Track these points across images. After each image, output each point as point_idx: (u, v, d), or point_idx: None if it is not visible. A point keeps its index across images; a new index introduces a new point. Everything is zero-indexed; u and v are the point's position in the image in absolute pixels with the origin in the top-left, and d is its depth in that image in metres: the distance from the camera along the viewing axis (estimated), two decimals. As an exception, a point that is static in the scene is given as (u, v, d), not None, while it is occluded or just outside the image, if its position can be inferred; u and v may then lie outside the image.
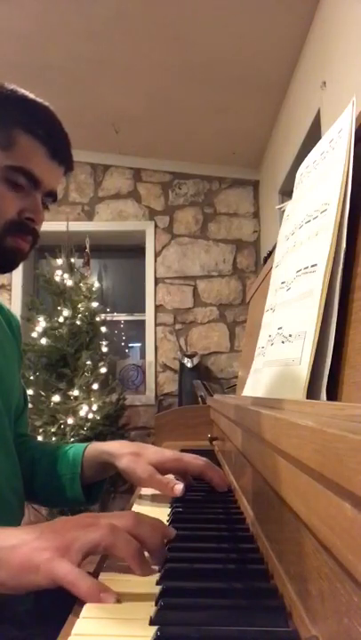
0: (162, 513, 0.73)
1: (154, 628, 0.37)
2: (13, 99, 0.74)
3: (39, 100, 0.76)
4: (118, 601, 0.44)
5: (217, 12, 2.61)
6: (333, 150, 0.61)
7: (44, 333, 3.37)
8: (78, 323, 3.44)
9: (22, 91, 0.76)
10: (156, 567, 0.51)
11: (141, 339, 4.31)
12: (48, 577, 0.46)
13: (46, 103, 0.77)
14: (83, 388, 3.28)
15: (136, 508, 0.76)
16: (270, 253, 1.16)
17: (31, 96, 0.76)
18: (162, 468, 0.75)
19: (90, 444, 0.84)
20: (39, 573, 0.46)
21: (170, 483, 0.73)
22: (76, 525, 0.50)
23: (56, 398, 3.20)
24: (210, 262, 4.24)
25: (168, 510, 0.74)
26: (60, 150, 0.76)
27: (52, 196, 0.78)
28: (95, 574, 0.51)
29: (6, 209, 0.72)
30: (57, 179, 0.78)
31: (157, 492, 0.77)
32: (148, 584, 0.48)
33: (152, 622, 0.40)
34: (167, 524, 0.66)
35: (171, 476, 0.78)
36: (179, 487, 0.72)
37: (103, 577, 0.51)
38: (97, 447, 0.83)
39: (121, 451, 0.77)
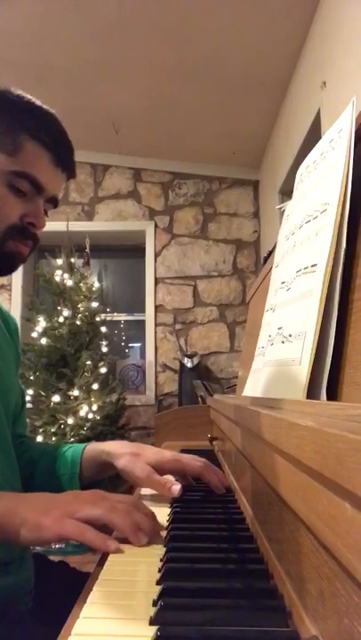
0: (162, 513, 0.73)
1: (154, 628, 0.38)
2: (20, 104, 0.75)
3: (45, 106, 0.77)
4: (121, 551, 0.56)
5: (217, 13, 2.61)
6: (333, 150, 0.61)
7: (44, 333, 3.37)
8: (78, 323, 3.43)
9: (29, 97, 0.76)
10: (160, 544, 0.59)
11: (141, 339, 4.31)
12: (56, 533, 0.56)
13: (52, 110, 0.78)
14: (83, 387, 3.27)
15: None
16: (270, 253, 1.16)
17: (38, 102, 0.77)
18: (160, 469, 0.75)
19: (89, 444, 0.85)
20: (50, 530, 0.56)
21: (167, 483, 0.73)
22: (82, 500, 0.60)
23: (56, 398, 3.20)
24: (210, 262, 4.24)
25: (168, 510, 0.74)
26: (64, 157, 0.77)
27: (53, 202, 0.79)
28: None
29: (9, 213, 0.72)
30: (59, 185, 0.79)
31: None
32: (149, 584, 0.48)
33: (152, 622, 0.40)
34: (167, 523, 0.67)
35: (170, 477, 0.78)
36: (176, 488, 0.72)
37: (104, 577, 0.51)
38: (96, 447, 0.83)
39: (120, 450, 0.78)
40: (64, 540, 0.57)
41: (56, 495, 0.62)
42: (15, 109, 0.74)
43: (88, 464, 0.82)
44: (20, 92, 0.76)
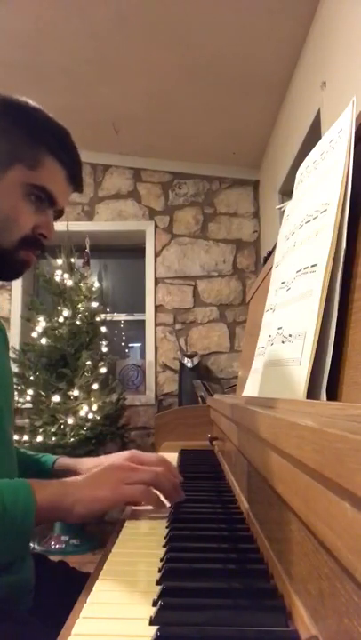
0: (162, 513, 0.73)
1: (154, 628, 0.38)
2: (40, 119, 0.79)
3: (60, 123, 0.81)
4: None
5: (217, 13, 2.61)
6: (333, 150, 0.61)
7: (44, 333, 3.36)
8: (78, 323, 3.43)
9: (44, 110, 0.80)
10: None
11: (141, 339, 4.31)
12: (120, 498, 0.67)
13: (66, 128, 0.81)
14: (83, 388, 3.27)
15: (134, 508, 0.79)
16: (270, 253, 1.16)
17: (53, 118, 0.81)
18: None
19: (58, 458, 0.93)
20: (111, 499, 0.65)
21: None
22: (125, 469, 0.70)
23: (56, 398, 3.19)
24: (210, 262, 4.24)
25: (168, 510, 0.74)
26: (76, 175, 0.83)
27: (59, 213, 0.84)
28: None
29: (24, 224, 0.76)
30: (68, 199, 0.84)
31: None
32: (149, 584, 0.48)
33: (152, 622, 0.40)
34: (167, 524, 0.67)
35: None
36: None
37: (104, 577, 0.51)
38: (62, 462, 0.91)
39: (86, 465, 0.87)
40: (126, 504, 0.70)
41: (95, 472, 0.70)
42: (35, 124, 0.78)
43: (59, 468, 0.90)
44: (35, 103, 0.80)
